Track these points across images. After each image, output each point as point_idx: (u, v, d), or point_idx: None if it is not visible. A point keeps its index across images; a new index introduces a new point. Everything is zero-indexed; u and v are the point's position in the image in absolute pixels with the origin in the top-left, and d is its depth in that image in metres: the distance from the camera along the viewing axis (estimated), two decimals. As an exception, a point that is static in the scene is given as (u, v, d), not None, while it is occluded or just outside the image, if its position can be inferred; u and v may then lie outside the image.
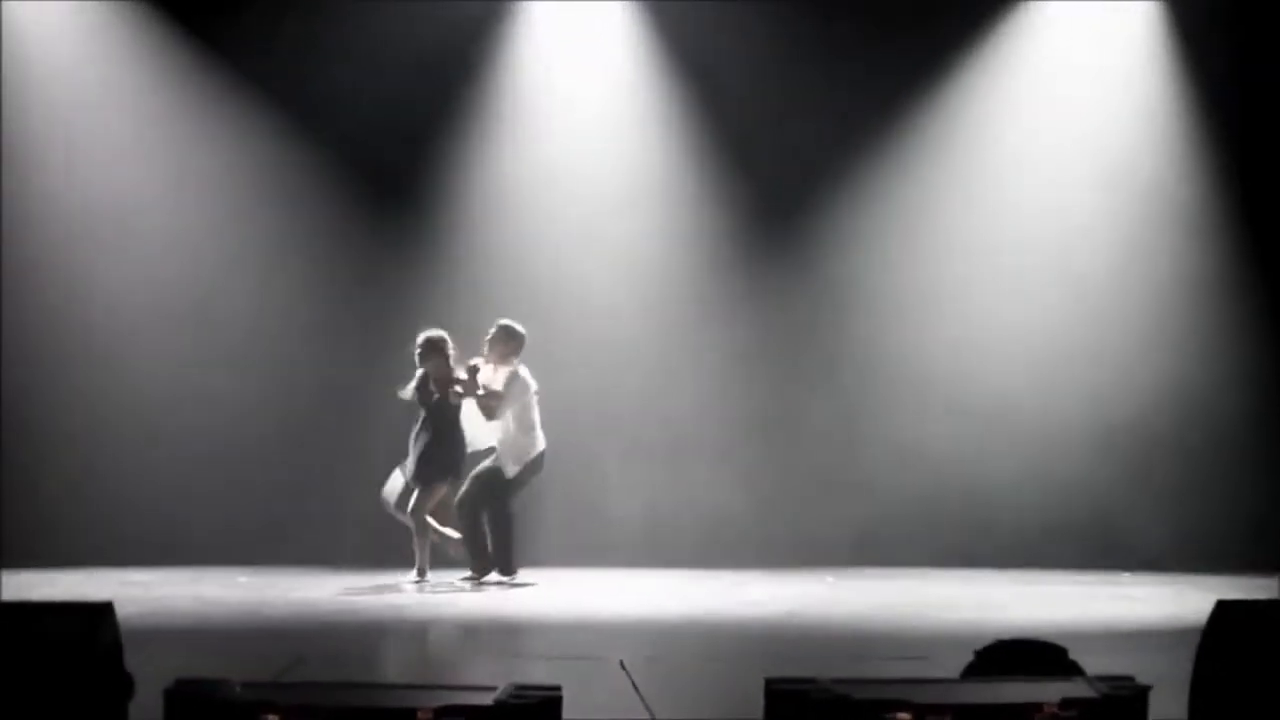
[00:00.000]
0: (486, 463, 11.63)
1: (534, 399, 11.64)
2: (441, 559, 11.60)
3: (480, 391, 11.51)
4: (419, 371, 11.51)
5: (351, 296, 13.12)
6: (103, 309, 12.96)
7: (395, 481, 11.66)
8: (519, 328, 11.68)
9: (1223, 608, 5.46)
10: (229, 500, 12.86)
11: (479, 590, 11.23)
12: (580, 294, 13.17)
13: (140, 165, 13.01)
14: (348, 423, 12.98)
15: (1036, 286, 13.29)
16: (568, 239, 13.18)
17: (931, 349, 13.23)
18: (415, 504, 11.44)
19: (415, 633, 9.60)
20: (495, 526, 11.54)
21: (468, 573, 11.52)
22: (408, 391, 11.55)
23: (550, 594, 11.04)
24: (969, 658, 5.54)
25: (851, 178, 13.28)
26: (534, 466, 11.68)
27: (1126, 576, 12.28)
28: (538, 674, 7.01)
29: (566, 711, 4.93)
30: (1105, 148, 13.26)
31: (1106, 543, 12.97)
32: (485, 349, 11.62)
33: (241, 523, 12.79)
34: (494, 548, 11.51)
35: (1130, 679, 5.13)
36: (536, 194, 13.24)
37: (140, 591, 10.60)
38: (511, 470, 11.57)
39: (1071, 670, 5.40)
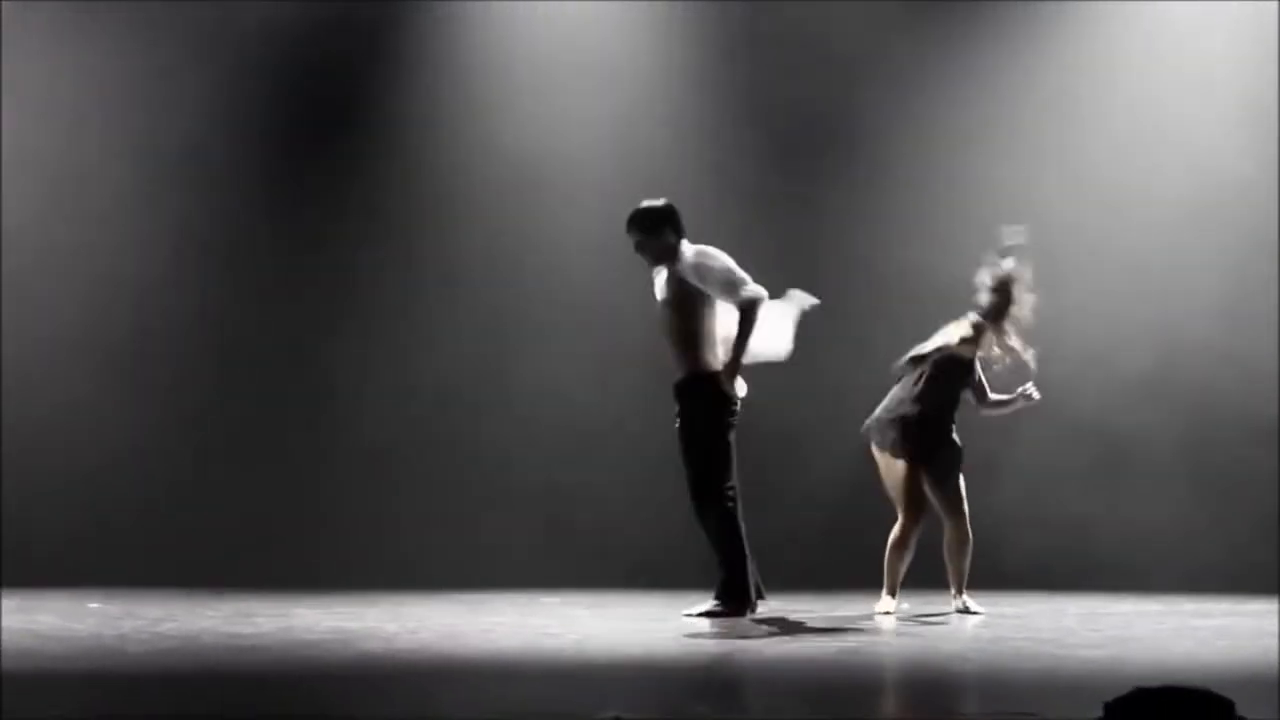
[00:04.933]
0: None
1: None
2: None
3: None
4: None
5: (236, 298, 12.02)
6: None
7: None
8: None
9: None
10: (75, 507, 11.65)
11: (417, 624, 9.11)
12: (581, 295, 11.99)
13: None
14: (218, 416, 11.90)
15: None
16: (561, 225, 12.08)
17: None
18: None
19: (336, 678, 7.38)
20: None
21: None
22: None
23: (526, 629, 9.06)
24: (1096, 712, 4.82)
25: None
26: None
27: None
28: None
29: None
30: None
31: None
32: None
33: (90, 534, 11.58)
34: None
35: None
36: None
37: (-43, 622, 8.99)
38: None
39: (1242, 730, 4.61)
